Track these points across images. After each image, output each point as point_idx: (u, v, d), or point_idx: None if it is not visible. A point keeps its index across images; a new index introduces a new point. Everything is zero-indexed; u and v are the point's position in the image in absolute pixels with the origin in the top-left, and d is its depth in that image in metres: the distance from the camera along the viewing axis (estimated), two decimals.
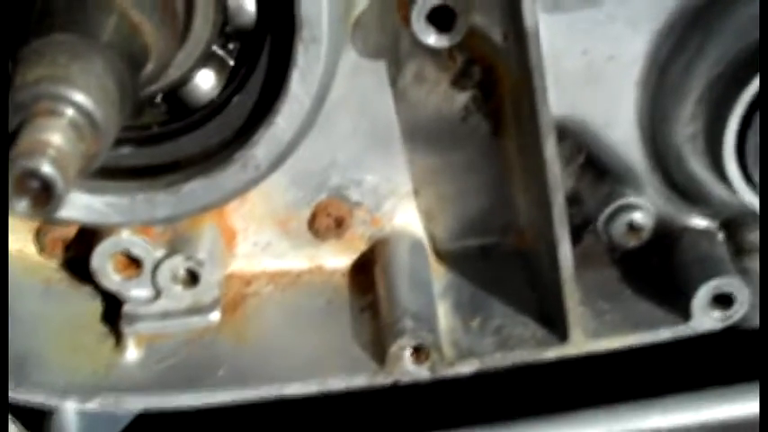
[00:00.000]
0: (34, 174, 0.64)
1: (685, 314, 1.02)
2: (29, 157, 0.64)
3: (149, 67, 0.83)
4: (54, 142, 0.66)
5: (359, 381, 1.00)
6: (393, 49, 1.02)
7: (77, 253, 1.06)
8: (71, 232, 1.06)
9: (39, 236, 1.07)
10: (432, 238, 1.11)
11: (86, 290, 1.06)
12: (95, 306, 1.06)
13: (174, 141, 0.97)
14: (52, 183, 0.64)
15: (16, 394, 0.97)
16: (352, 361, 1.01)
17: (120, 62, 0.76)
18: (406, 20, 0.99)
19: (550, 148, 0.92)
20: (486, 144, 1.07)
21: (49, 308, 1.05)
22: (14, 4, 0.84)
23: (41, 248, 1.07)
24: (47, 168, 0.64)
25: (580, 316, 1.00)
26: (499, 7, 0.95)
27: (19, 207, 0.64)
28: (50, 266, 1.07)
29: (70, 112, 0.69)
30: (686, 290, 1.02)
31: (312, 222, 1.09)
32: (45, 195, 0.64)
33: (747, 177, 0.96)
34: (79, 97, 0.69)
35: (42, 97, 0.68)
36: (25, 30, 0.79)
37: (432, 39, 0.95)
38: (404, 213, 1.10)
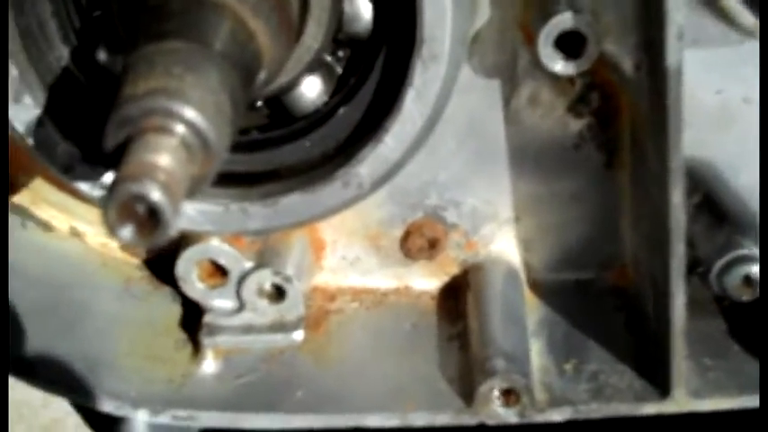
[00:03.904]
0: (141, 199, 0.59)
1: None
2: (137, 180, 0.59)
3: (261, 76, 0.77)
4: (164, 165, 0.61)
5: (442, 418, 0.95)
6: (509, 69, 0.96)
7: (161, 253, 1.02)
8: None
9: None
10: (528, 267, 1.06)
11: (167, 292, 1.02)
12: (175, 310, 1.01)
13: (273, 149, 0.92)
14: (161, 210, 0.59)
15: (86, 401, 0.93)
16: (436, 396, 0.96)
17: (234, 73, 0.70)
18: (528, 38, 0.93)
19: (678, 195, 0.86)
20: (597, 175, 1.01)
21: (127, 309, 1.01)
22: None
23: (125, 245, 1.03)
24: (156, 195, 0.59)
25: (684, 372, 0.94)
26: (635, 37, 0.88)
27: (123, 233, 0.59)
28: (132, 264, 1.03)
29: (182, 130, 0.63)
30: None
31: (404, 241, 1.04)
32: (151, 222, 0.59)
33: None
34: (192, 114, 0.64)
35: (154, 112, 0.63)
36: (135, 30, 0.74)
37: (558, 66, 0.89)
38: (501, 240, 1.05)
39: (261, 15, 0.77)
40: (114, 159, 0.63)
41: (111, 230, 0.59)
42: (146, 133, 0.62)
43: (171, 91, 0.64)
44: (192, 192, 0.64)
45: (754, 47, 0.89)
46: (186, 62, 0.67)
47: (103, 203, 0.59)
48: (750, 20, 0.85)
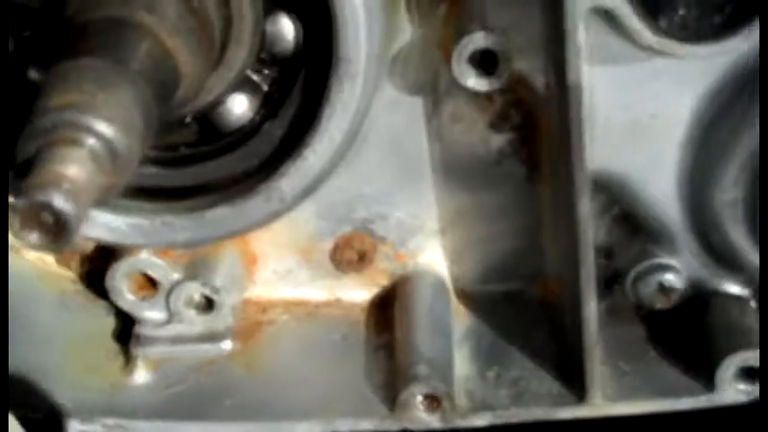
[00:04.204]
0: (46, 207, 0.62)
1: (709, 384, 0.98)
2: (42, 189, 0.62)
3: (180, 93, 0.81)
4: (70, 174, 0.64)
5: (367, 424, 0.98)
6: (431, 87, 1.00)
7: (95, 266, 1.05)
8: (90, 246, 1.04)
9: None
10: (455, 279, 1.09)
11: (102, 304, 1.05)
12: (109, 322, 1.04)
13: (200, 165, 0.95)
14: (64, 217, 0.62)
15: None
16: (361, 402, 0.99)
17: (149, 91, 0.73)
18: (447, 57, 0.97)
19: (584, 207, 0.89)
20: (519, 189, 1.04)
21: (63, 320, 1.03)
22: (49, 18, 0.83)
23: (60, 259, 1.05)
24: (59, 202, 0.62)
25: (600, 377, 0.97)
26: (542, 56, 0.92)
27: (29, 239, 0.62)
28: (68, 277, 1.06)
29: (91, 142, 0.66)
30: (712, 358, 0.99)
31: (334, 254, 1.07)
32: (57, 229, 0.62)
33: None
34: (102, 127, 0.67)
35: (64, 125, 0.66)
36: (57, 47, 0.77)
37: (471, 81, 0.93)
38: (429, 252, 1.08)
39: (180, 35, 0.80)
40: (26, 171, 0.66)
41: (17, 237, 0.62)
42: (55, 145, 0.65)
43: (82, 105, 0.67)
44: (101, 201, 0.67)
45: (659, 64, 0.93)
46: (99, 79, 0.70)
47: (10, 210, 0.62)
48: (650, 38, 0.89)
